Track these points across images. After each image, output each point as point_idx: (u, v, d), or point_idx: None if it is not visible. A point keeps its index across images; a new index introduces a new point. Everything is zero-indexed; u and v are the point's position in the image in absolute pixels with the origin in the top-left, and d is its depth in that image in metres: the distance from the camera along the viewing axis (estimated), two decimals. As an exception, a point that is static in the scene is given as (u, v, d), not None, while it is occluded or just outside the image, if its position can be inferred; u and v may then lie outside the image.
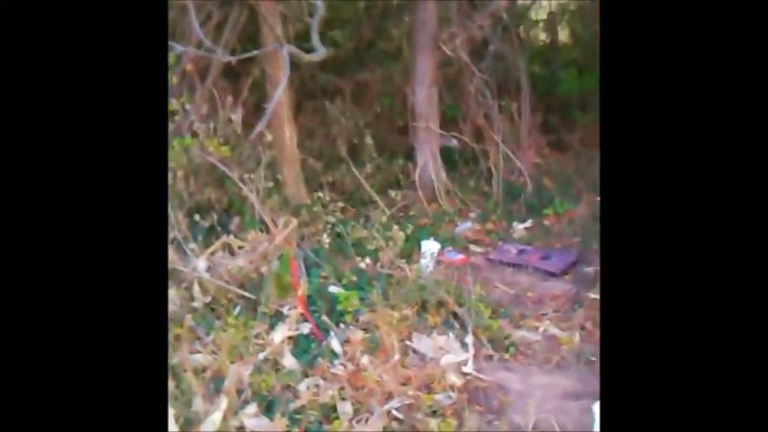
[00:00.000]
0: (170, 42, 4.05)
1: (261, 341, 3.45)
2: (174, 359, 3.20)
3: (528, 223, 5.42)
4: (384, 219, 5.11)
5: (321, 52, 3.97)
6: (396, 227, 4.53)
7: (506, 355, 3.48)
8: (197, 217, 4.54)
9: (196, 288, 3.89)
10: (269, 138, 4.97)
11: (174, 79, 4.87)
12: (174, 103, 4.73)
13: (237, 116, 4.97)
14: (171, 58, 4.06)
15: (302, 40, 4.99)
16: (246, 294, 3.85)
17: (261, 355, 3.27)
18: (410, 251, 4.65)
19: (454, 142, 6.13)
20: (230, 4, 5.15)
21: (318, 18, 4.34)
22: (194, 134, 4.69)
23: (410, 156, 6.25)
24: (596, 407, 2.79)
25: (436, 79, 6.01)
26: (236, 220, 4.97)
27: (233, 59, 4.28)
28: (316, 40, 4.17)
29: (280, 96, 5.25)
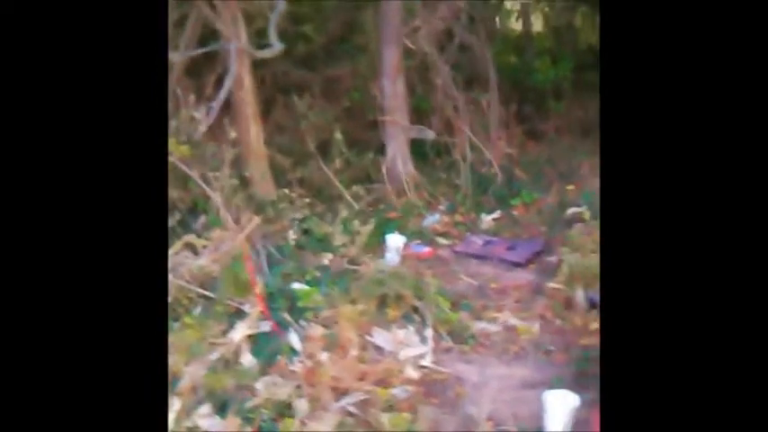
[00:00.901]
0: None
1: (218, 340, 3.42)
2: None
3: (496, 214, 5.42)
4: (351, 214, 5.09)
5: (276, 48, 3.94)
6: (357, 222, 4.51)
7: (465, 347, 3.48)
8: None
9: (156, 288, 3.86)
10: (233, 135, 4.93)
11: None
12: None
13: (200, 114, 4.93)
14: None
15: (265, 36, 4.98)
16: (207, 294, 3.83)
17: (217, 355, 3.24)
18: (376, 245, 4.64)
19: (429, 134, 6.11)
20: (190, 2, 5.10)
21: (278, 14, 4.31)
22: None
23: (381, 150, 6.23)
24: (546, 396, 2.80)
25: (403, 72, 5.98)
26: (201, 219, 4.94)
27: (178, 58, 4.23)
28: (273, 36, 4.15)
29: (243, 93, 5.26)
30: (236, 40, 4.35)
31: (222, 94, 4.26)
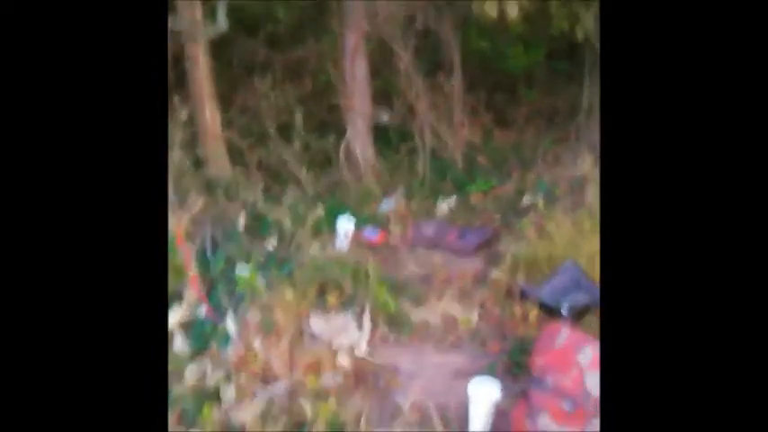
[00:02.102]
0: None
1: (152, 324, 3.37)
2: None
3: (452, 201, 5.38)
4: (305, 198, 5.04)
5: (220, 26, 3.85)
6: (302, 205, 4.46)
7: (403, 337, 3.46)
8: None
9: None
10: (183, 114, 4.84)
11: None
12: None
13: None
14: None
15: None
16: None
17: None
18: (328, 231, 4.60)
19: (385, 118, 6.05)
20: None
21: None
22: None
23: (342, 134, 6.16)
24: (471, 384, 2.78)
25: (366, 56, 5.91)
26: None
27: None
28: (221, 13, 4.05)
29: (198, 73, 5.17)
30: (183, 18, 4.25)
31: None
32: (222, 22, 3.91)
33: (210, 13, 5.05)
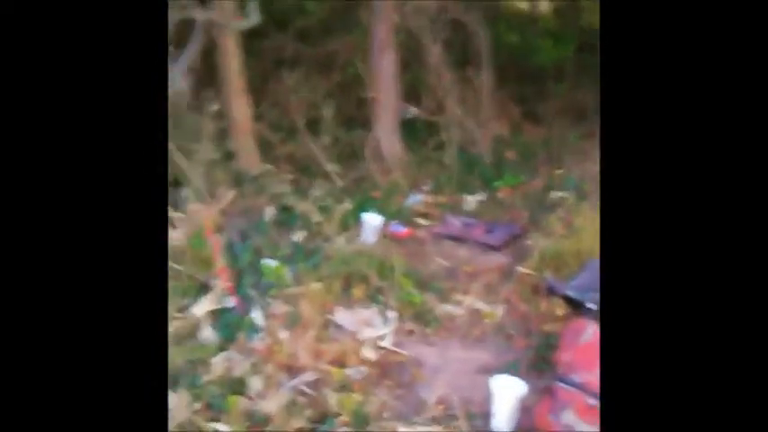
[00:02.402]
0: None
1: (180, 315, 3.43)
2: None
3: (480, 196, 5.36)
4: (333, 191, 5.07)
5: (252, 20, 3.88)
6: (330, 199, 4.49)
7: (428, 330, 3.47)
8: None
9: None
10: (215, 107, 4.90)
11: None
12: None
13: (180, 83, 4.90)
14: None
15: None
16: (176, 267, 3.83)
17: (173, 329, 3.25)
18: (355, 224, 4.61)
19: (410, 111, 6.05)
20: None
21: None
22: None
23: (371, 127, 6.17)
24: (492, 381, 2.78)
25: (395, 49, 5.90)
26: (183, 191, 4.93)
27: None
28: (252, 6, 4.08)
29: (229, 66, 5.21)
30: (216, 11, 4.29)
31: (184, 62, 4.20)
32: (254, 15, 3.93)
33: (242, 6, 5.10)
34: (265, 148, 5.84)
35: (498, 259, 4.26)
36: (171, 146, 4.53)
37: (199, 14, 3.88)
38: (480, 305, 3.64)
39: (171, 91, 4.23)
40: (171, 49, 5.36)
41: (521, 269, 3.85)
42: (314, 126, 6.03)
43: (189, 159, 4.59)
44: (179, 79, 4.20)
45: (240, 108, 5.39)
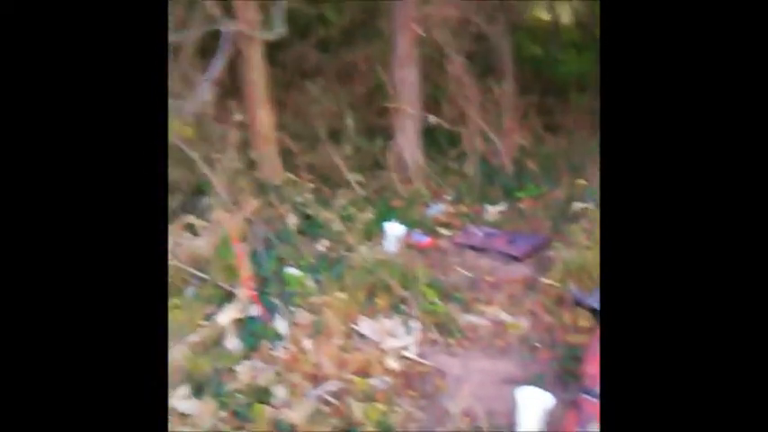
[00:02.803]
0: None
1: (206, 323, 3.45)
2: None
3: (502, 206, 5.36)
4: (355, 200, 5.08)
5: (278, 31, 3.92)
6: (353, 209, 4.50)
7: (451, 340, 3.46)
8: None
9: (152, 268, 3.90)
10: (238, 117, 4.94)
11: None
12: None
13: (206, 94, 4.95)
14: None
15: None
16: (202, 275, 3.86)
17: (199, 337, 3.27)
18: (377, 234, 4.62)
19: (430, 119, 6.06)
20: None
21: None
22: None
23: (392, 137, 6.19)
24: (518, 393, 2.77)
25: (417, 60, 5.92)
26: (205, 200, 4.97)
27: (175, 38, 4.23)
28: (278, 17, 4.12)
29: (253, 76, 5.26)
30: (242, 22, 4.33)
31: (214, 70, 4.24)
32: (280, 26, 3.97)
33: (267, 17, 5.15)
34: (287, 158, 5.87)
35: (521, 270, 4.25)
36: (195, 155, 4.59)
37: (227, 26, 3.91)
38: (504, 316, 3.63)
39: (197, 101, 4.28)
40: (197, 59, 5.45)
41: (544, 280, 3.83)
42: (335, 135, 6.06)
43: (213, 168, 4.62)
44: (206, 90, 4.24)
45: (263, 118, 5.43)
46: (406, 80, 5.85)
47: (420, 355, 3.33)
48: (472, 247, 4.61)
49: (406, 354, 3.30)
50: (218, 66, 4.25)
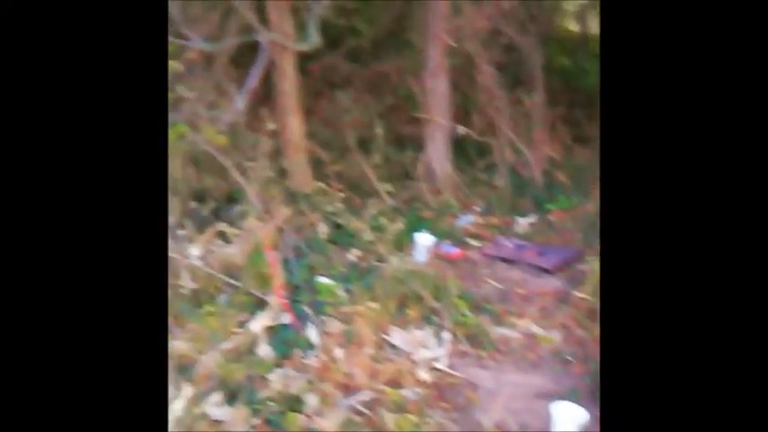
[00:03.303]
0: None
1: (238, 330, 3.47)
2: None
3: (532, 218, 5.33)
4: (384, 210, 5.09)
5: (312, 41, 3.95)
6: (383, 219, 4.51)
7: (482, 352, 3.45)
8: (194, 204, 4.60)
9: (185, 274, 3.95)
10: (271, 126, 4.99)
11: (181, 66, 4.90)
12: (180, 90, 4.81)
13: (240, 104, 5.00)
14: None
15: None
16: (234, 283, 3.89)
17: (233, 344, 3.29)
18: (407, 244, 4.63)
19: (459, 130, 6.06)
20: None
21: (319, 7, 4.33)
22: (189, 122, 4.74)
23: (421, 147, 6.20)
24: (553, 407, 2.75)
25: (448, 70, 5.93)
26: (237, 208, 5.01)
27: (211, 47, 4.29)
28: (312, 28, 4.16)
29: (285, 86, 5.30)
30: (276, 32, 4.38)
31: (251, 82, 4.29)
32: (314, 36, 4.00)
33: (301, 28, 5.20)
34: (316, 167, 5.90)
35: (552, 283, 4.22)
36: (228, 163, 4.64)
37: (264, 37, 3.96)
38: (536, 329, 3.60)
39: (233, 111, 4.33)
40: (231, 69, 5.52)
41: (576, 293, 3.80)
42: (365, 145, 6.09)
43: (245, 177, 4.66)
44: (241, 100, 4.29)
45: (294, 127, 5.47)
46: (437, 91, 5.86)
47: (451, 367, 3.31)
48: (502, 259, 4.60)
49: (438, 365, 3.29)
50: (255, 76, 4.29)
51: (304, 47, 4.10)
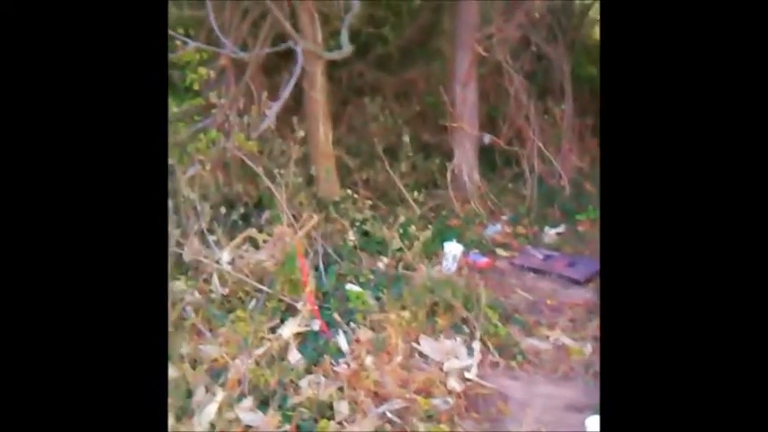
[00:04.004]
0: (185, 38, 4.17)
1: (269, 335, 3.48)
2: (183, 349, 3.30)
3: (560, 228, 5.30)
4: (412, 218, 5.09)
5: (345, 50, 3.98)
6: (413, 227, 4.51)
7: (513, 363, 3.42)
8: (224, 209, 4.63)
9: (215, 279, 3.97)
10: (301, 133, 5.02)
11: (211, 74, 4.95)
12: (211, 97, 4.86)
13: (271, 111, 5.03)
14: (188, 54, 4.16)
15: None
16: (263, 288, 3.90)
17: (264, 350, 3.30)
18: (434, 252, 4.62)
19: (485, 138, 6.04)
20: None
21: (351, 17, 4.35)
22: (219, 128, 4.78)
23: (449, 156, 6.20)
24: (590, 421, 2.73)
25: (476, 79, 5.93)
26: (266, 214, 5.04)
27: (245, 55, 4.32)
28: (344, 37, 4.18)
29: (315, 93, 5.33)
30: (307, 41, 4.41)
31: (286, 92, 4.32)
32: (347, 45, 4.03)
33: (330, 36, 5.23)
34: (343, 174, 5.92)
35: (582, 294, 4.19)
36: (259, 169, 4.67)
37: (300, 45, 3.99)
38: (567, 340, 3.58)
39: (266, 120, 4.37)
40: (260, 76, 5.56)
41: (608, 306, 3.76)
42: (392, 153, 6.09)
43: (275, 183, 4.69)
44: (276, 108, 4.33)
45: (322, 134, 5.49)
46: (467, 99, 5.85)
47: (481, 377, 3.30)
48: (531, 269, 4.57)
49: (468, 375, 3.27)
50: (291, 85, 4.33)
51: (336, 56, 4.11)
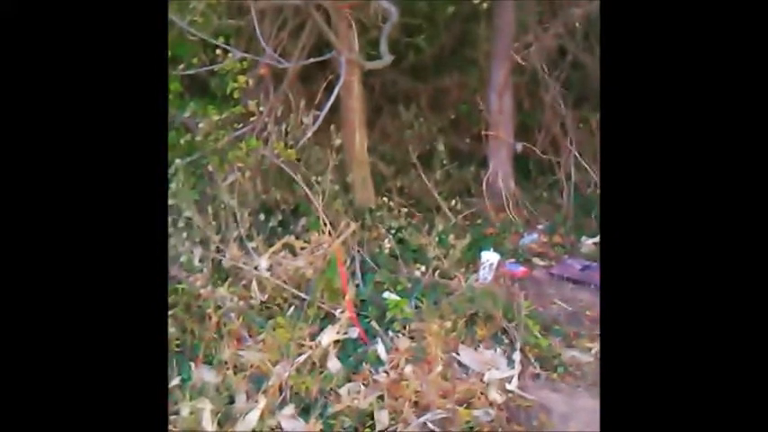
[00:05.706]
0: (232, 48, 4.22)
1: (308, 343, 3.50)
2: (223, 354, 3.33)
3: (597, 238, 5.24)
4: (448, 227, 5.08)
5: (385, 60, 4.00)
6: (452, 235, 4.50)
7: (554, 375, 3.40)
8: (262, 216, 4.67)
9: (254, 286, 4.01)
10: (337, 141, 5.04)
11: (250, 82, 5.00)
12: (250, 105, 4.91)
13: (309, 119, 5.06)
14: (230, 63, 4.21)
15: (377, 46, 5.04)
16: (301, 295, 3.93)
17: (304, 357, 3.32)
18: (470, 261, 4.61)
19: (517, 146, 6.01)
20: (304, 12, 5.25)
21: (389, 27, 4.37)
22: (258, 136, 4.83)
23: (483, 164, 6.18)
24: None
25: (511, 87, 5.91)
26: (303, 221, 5.07)
27: (287, 65, 4.36)
28: (384, 46, 4.20)
29: (352, 101, 5.35)
30: (347, 50, 4.44)
31: (329, 102, 4.36)
32: (387, 54, 4.05)
33: (368, 44, 5.26)
34: (378, 182, 5.93)
35: (622, 306, 4.13)
36: (297, 176, 4.70)
37: (344, 54, 4.03)
38: (608, 353, 3.53)
39: (309, 128, 4.41)
40: (299, 86, 5.61)
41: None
42: (426, 161, 6.09)
43: (312, 190, 4.72)
44: (319, 118, 4.37)
45: (359, 142, 5.51)
46: (503, 108, 5.84)
47: (521, 389, 3.27)
48: (569, 279, 4.53)
49: (509, 386, 3.25)
50: (334, 95, 4.37)
51: (378, 65, 4.14)
